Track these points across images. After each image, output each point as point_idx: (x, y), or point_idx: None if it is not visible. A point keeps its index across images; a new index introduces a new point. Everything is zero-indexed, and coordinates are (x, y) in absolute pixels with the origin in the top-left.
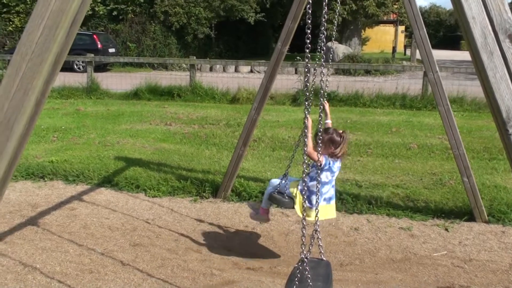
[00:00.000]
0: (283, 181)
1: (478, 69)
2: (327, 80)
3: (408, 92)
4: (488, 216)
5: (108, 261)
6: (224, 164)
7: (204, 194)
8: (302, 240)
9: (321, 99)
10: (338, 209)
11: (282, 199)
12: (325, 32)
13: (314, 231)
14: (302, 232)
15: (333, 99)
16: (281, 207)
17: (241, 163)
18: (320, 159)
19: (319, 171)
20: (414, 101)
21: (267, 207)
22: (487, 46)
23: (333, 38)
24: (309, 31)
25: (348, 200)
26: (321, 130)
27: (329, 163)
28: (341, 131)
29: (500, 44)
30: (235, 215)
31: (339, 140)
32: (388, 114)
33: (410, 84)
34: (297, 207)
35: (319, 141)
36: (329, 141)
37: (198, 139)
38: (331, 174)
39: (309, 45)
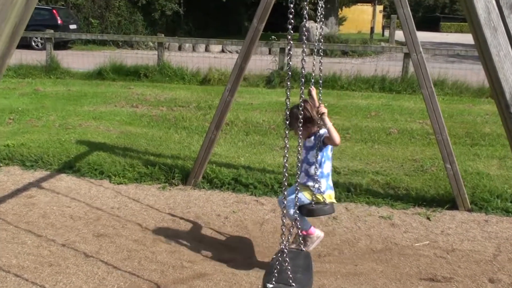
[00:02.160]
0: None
1: (480, 47)
2: (320, 63)
3: (388, 74)
4: (470, 204)
5: (70, 253)
6: (195, 149)
7: (173, 181)
8: (282, 230)
9: (311, 84)
10: None
11: (322, 208)
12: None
13: (293, 221)
14: (282, 221)
15: (309, 81)
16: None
17: (212, 148)
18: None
19: (323, 149)
20: (394, 84)
21: (308, 227)
22: (491, 22)
23: (318, 18)
24: (292, 5)
25: None
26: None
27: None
28: (300, 104)
29: (504, 20)
30: (206, 203)
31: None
32: (367, 98)
33: (390, 66)
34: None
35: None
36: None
37: (167, 122)
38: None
39: (292, 21)
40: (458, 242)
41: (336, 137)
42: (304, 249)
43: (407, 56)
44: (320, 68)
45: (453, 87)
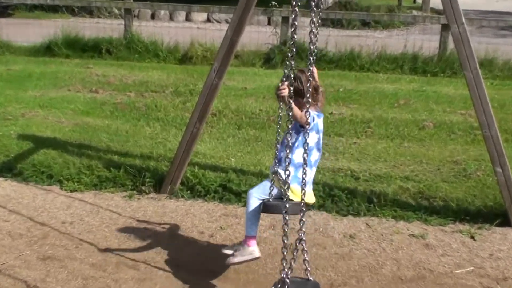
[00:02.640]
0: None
1: None
2: (316, 31)
3: (421, 51)
4: None
5: (7, 281)
6: (172, 147)
7: (143, 187)
8: (283, 253)
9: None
10: (328, 209)
11: (276, 205)
12: None
13: (298, 241)
14: (284, 241)
15: (321, 60)
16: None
17: (194, 145)
18: (306, 117)
19: (306, 134)
20: (429, 63)
21: (255, 233)
22: None
23: None
24: None
25: (340, 198)
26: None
27: (313, 119)
28: (298, 71)
29: None
30: (186, 216)
31: (306, 78)
32: (394, 81)
33: (423, 41)
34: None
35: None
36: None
37: (136, 112)
38: (317, 133)
39: None
40: (511, 268)
41: (300, 118)
42: (229, 259)
43: (445, 28)
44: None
45: (504, 68)
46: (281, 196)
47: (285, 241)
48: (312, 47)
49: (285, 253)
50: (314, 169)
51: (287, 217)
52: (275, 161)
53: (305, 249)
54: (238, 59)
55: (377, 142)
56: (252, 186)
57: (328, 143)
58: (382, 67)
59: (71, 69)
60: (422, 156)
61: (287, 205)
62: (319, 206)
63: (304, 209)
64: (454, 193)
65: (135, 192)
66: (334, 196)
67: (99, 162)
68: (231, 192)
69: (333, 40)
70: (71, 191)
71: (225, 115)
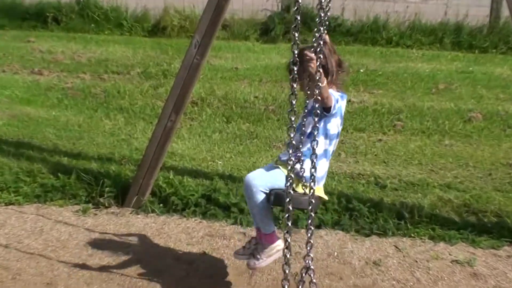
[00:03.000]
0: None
1: None
2: None
3: (466, 21)
4: None
5: None
6: (139, 146)
7: (101, 199)
8: (283, 286)
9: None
10: (345, 228)
11: (297, 198)
12: None
13: (305, 270)
14: (284, 271)
15: (336, 30)
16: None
17: (169, 144)
18: (329, 98)
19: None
20: (477, 36)
21: (273, 227)
22: None
23: None
24: None
25: (361, 212)
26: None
27: (337, 101)
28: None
29: None
30: (158, 237)
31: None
32: (430, 59)
33: (469, 7)
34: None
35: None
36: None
37: (92, 99)
38: (341, 118)
39: None
40: None
41: (329, 98)
42: (253, 262)
43: None
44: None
45: None
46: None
47: (286, 271)
48: (322, 14)
49: (286, 286)
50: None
51: (288, 239)
52: (290, 150)
53: (314, 280)
54: (227, 30)
55: (409, 139)
56: (244, 197)
57: (346, 140)
58: (416, 40)
59: (6, 43)
60: (468, 157)
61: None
62: (334, 223)
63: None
64: (510, 206)
65: (90, 205)
66: (353, 210)
67: (43, 166)
68: (217, 205)
69: (351, 5)
70: (6, 204)
71: (210, 103)
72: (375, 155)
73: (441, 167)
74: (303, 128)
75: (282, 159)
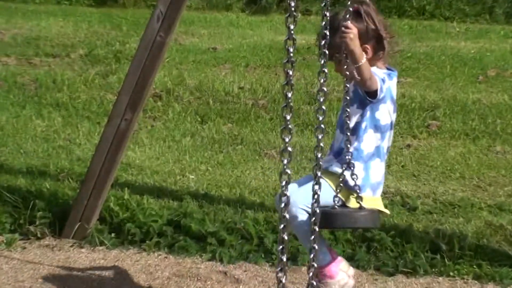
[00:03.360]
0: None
1: None
2: None
3: None
4: None
5: None
6: (83, 155)
7: (31, 228)
8: None
9: None
10: (361, 263)
11: (352, 215)
12: None
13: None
14: None
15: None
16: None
17: (123, 152)
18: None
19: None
20: None
21: (330, 257)
22: None
23: None
24: None
25: (383, 244)
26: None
27: (383, 81)
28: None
29: None
30: (109, 278)
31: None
32: (477, 37)
33: None
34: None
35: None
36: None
37: (18, 92)
38: (392, 102)
39: None
40: None
41: (371, 78)
42: None
43: None
44: None
45: None
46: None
47: None
48: None
49: None
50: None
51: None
52: (331, 154)
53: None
54: None
55: (448, 145)
56: (225, 224)
57: None
58: (457, 10)
59: None
60: None
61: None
62: (347, 258)
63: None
64: None
65: (17, 235)
66: (372, 240)
67: None
68: (188, 234)
69: None
70: None
71: (179, 97)
72: (402, 166)
73: (490, 182)
74: (348, 121)
75: (324, 167)
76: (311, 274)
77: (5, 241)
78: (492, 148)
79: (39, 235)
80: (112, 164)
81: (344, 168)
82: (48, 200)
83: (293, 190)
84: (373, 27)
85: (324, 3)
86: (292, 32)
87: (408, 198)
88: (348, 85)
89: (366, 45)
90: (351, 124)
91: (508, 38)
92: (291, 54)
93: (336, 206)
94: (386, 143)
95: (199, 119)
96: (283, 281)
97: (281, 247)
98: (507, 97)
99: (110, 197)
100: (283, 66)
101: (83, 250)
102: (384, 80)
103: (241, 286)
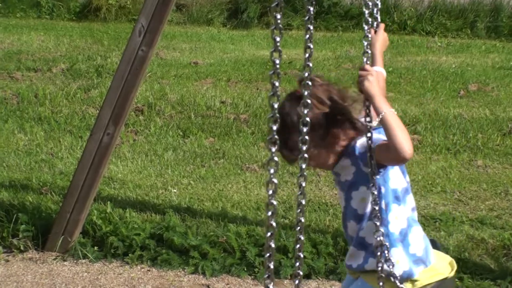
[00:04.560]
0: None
1: None
2: None
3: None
4: None
5: None
6: (65, 169)
7: (14, 241)
8: None
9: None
10: (343, 278)
11: None
12: None
13: None
14: None
15: (330, 12)
16: None
17: (106, 166)
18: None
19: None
20: None
21: None
22: None
23: None
24: None
25: None
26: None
27: None
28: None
29: None
30: None
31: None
32: (458, 51)
33: None
34: None
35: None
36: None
37: (0, 106)
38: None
39: None
40: None
41: (404, 140)
42: None
43: None
44: None
45: None
46: None
47: None
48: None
49: None
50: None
51: None
52: (355, 249)
53: None
54: (183, 12)
55: (429, 159)
56: (207, 237)
57: None
58: (439, 25)
59: None
60: (508, 182)
61: None
62: (328, 271)
63: None
64: None
65: (0, 248)
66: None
67: None
68: (171, 248)
69: None
70: None
71: (160, 111)
72: None
73: (471, 196)
74: (355, 210)
75: (353, 267)
76: (297, 282)
77: None
78: (473, 163)
79: (22, 248)
80: (94, 178)
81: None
82: (31, 213)
83: None
84: (327, 109)
85: (307, 17)
86: (278, 44)
87: None
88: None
89: (334, 130)
90: (366, 209)
91: (489, 53)
92: (277, 66)
93: None
94: (410, 204)
95: (181, 133)
96: (271, 287)
97: (268, 254)
98: (488, 112)
99: (93, 210)
100: (269, 77)
101: (66, 263)
102: None
103: None
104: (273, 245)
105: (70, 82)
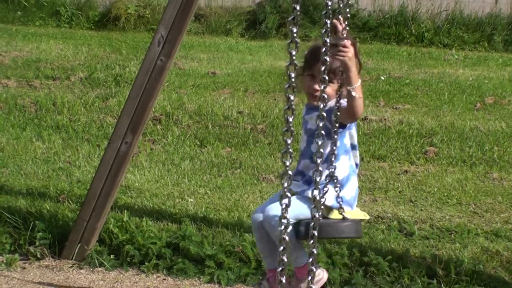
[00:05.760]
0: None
1: None
2: None
3: None
4: None
5: None
6: (83, 177)
7: (31, 248)
8: None
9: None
10: None
11: (338, 225)
12: None
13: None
14: None
15: (352, 23)
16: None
17: (123, 174)
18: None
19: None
20: None
21: (306, 260)
22: None
23: None
24: None
25: (380, 268)
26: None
27: None
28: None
29: None
30: None
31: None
32: (476, 64)
33: None
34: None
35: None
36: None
37: (19, 114)
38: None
39: None
40: None
41: (362, 107)
42: None
43: None
44: None
45: None
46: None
47: None
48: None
49: None
50: None
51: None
52: (302, 181)
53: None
54: (202, 23)
55: (445, 171)
56: (223, 247)
57: (360, 171)
58: (456, 38)
59: None
60: None
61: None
62: (344, 282)
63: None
64: None
65: (17, 256)
66: (369, 265)
67: None
68: (187, 257)
69: None
70: None
71: (178, 121)
72: (399, 191)
73: (487, 208)
74: (312, 151)
75: (297, 191)
76: (310, 277)
77: (5, 261)
78: (489, 175)
79: (39, 255)
80: (112, 186)
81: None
82: (48, 221)
83: (273, 206)
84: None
85: (324, 30)
86: (293, 58)
87: (405, 223)
88: (308, 114)
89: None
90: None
91: (506, 66)
92: (293, 80)
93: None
94: (356, 160)
95: (198, 143)
96: (283, 280)
97: (280, 269)
98: (504, 125)
99: (110, 219)
100: (284, 91)
101: (82, 271)
102: None
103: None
104: (286, 260)
105: (88, 91)
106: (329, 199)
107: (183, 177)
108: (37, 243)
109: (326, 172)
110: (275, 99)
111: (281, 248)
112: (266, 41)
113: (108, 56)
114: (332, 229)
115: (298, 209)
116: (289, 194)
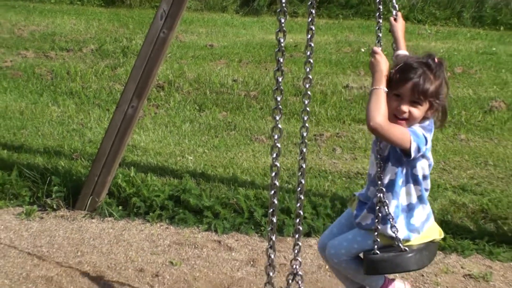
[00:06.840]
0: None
1: None
2: None
3: None
4: None
5: None
6: (94, 138)
7: (48, 200)
8: None
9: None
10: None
11: (401, 257)
12: None
13: (291, 276)
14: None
15: (331, 2)
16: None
17: (130, 135)
18: (407, 136)
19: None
20: (502, 10)
21: (383, 279)
22: None
23: None
24: None
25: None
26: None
27: (426, 140)
28: (432, 57)
29: None
30: (116, 246)
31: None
32: (446, 37)
33: None
34: None
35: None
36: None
37: (36, 82)
38: (429, 161)
39: None
40: None
41: (370, 111)
42: None
43: None
44: None
45: None
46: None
47: (271, 274)
48: None
49: None
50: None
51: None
52: (365, 208)
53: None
54: (200, 0)
55: None
56: (219, 199)
57: (342, 133)
58: (429, 15)
59: None
60: (487, 154)
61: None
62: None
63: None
64: None
65: (35, 207)
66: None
67: None
68: (187, 208)
69: None
70: None
71: (179, 88)
72: (365, 147)
73: (455, 165)
74: (381, 177)
75: (363, 224)
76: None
77: (25, 211)
78: (457, 136)
79: (55, 207)
80: (120, 145)
81: (379, 226)
82: (63, 176)
83: (333, 244)
84: (445, 89)
85: (310, 2)
86: (283, 25)
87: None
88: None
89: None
90: (385, 180)
91: (473, 40)
92: (282, 44)
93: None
94: (427, 187)
95: (197, 108)
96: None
97: (271, 210)
98: (471, 92)
99: (118, 174)
100: (274, 54)
101: (93, 220)
102: (420, 138)
103: (233, 253)
104: (276, 202)
105: (98, 61)
106: (401, 233)
107: (183, 137)
108: (53, 196)
109: (393, 202)
110: (266, 69)
111: (271, 210)
112: (258, 17)
113: (116, 30)
114: (386, 264)
115: (359, 244)
116: (278, 145)
